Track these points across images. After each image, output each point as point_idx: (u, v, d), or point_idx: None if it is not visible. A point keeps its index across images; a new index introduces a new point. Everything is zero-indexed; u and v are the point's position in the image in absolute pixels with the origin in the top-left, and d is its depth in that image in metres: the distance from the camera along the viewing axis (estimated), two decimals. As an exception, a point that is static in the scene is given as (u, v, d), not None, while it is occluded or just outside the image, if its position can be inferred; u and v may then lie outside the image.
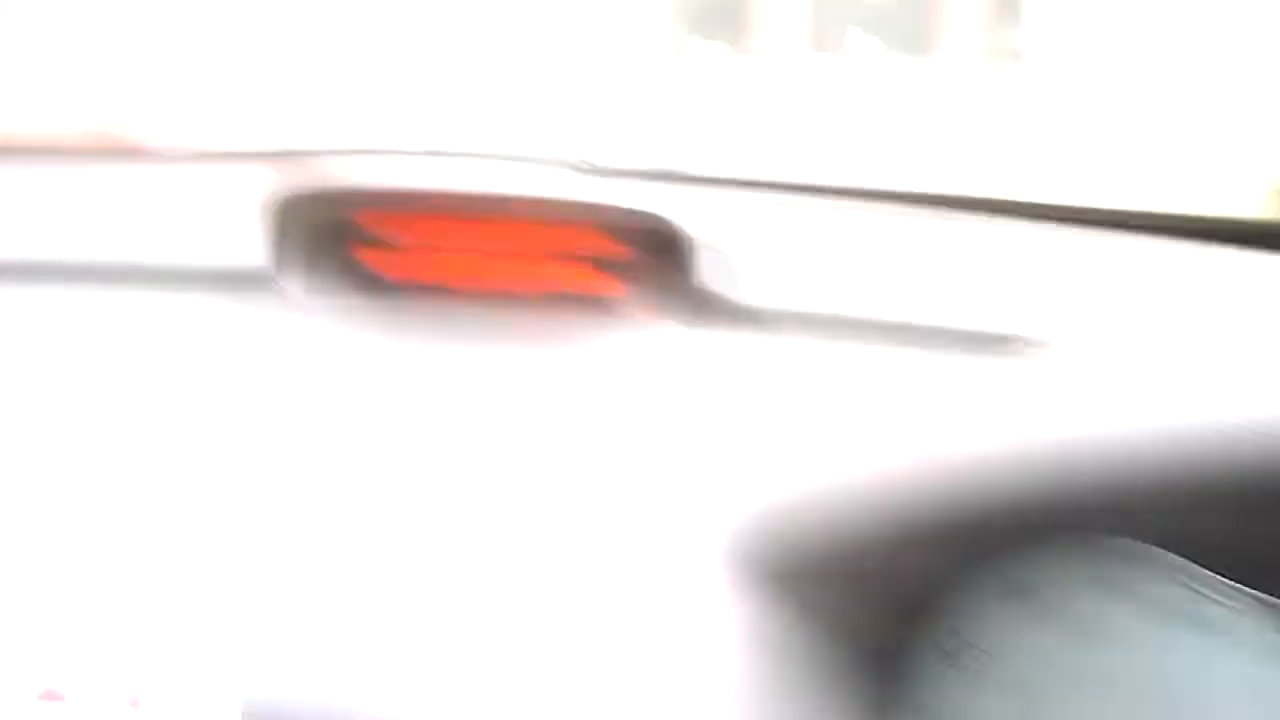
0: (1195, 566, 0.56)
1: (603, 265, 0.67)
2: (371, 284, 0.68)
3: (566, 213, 0.67)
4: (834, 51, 3.16)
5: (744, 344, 0.64)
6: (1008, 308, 0.64)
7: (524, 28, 2.85)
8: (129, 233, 0.70)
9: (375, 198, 0.69)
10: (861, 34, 3.18)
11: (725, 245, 0.66)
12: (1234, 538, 0.60)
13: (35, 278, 0.67)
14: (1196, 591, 0.55)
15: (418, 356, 0.64)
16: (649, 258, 0.66)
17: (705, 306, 0.64)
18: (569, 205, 0.66)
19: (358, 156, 0.70)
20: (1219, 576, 0.56)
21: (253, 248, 0.67)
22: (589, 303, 0.67)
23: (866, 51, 3.17)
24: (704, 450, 0.58)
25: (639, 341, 0.65)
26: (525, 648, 0.54)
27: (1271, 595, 0.55)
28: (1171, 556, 0.57)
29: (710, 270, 0.65)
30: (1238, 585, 0.55)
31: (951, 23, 3.04)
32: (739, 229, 0.68)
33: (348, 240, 0.68)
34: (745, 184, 0.74)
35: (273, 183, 0.66)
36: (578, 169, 0.75)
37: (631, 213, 0.65)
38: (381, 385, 0.62)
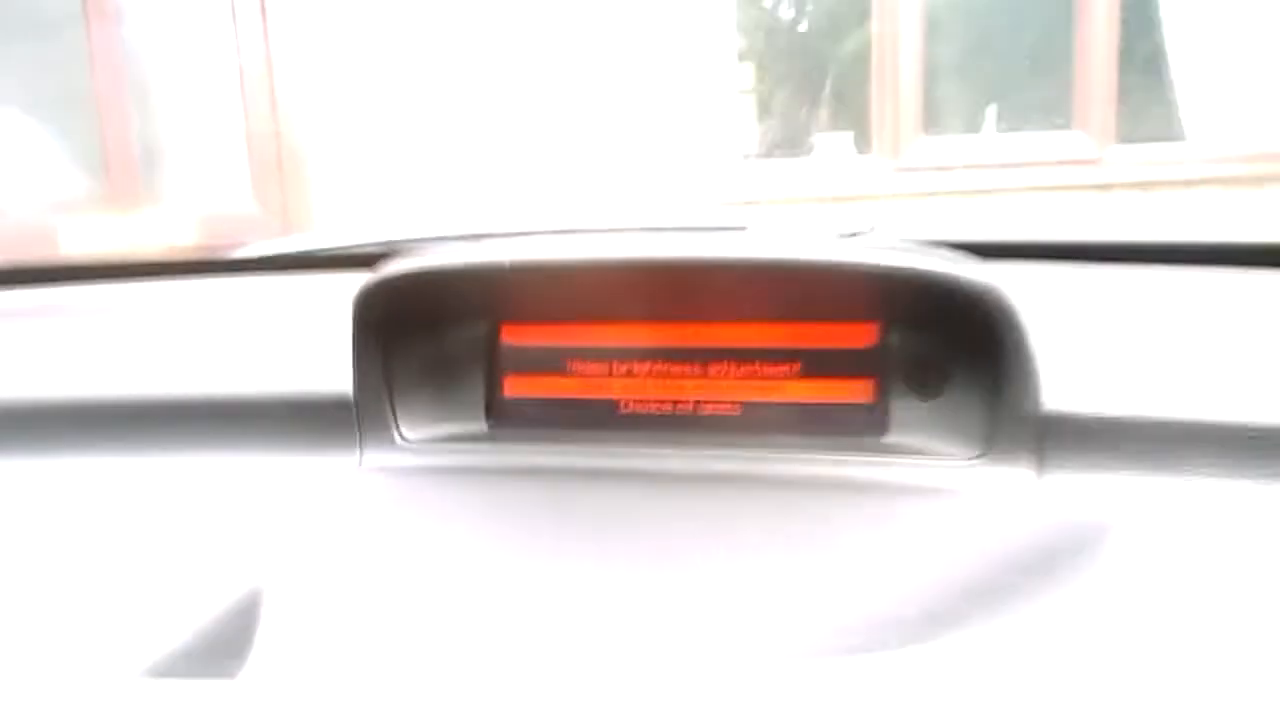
0: None
1: (875, 366, 0.44)
2: (523, 419, 0.47)
3: (818, 286, 0.44)
4: (971, 133, 2.94)
5: (1111, 492, 0.39)
6: None
7: (642, 118, 2.74)
8: (201, 364, 0.51)
9: (522, 291, 0.47)
10: (997, 112, 2.96)
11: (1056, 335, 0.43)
12: None
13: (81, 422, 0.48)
14: None
15: (603, 529, 0.42)
16: (961, 353, 0.43)
17: (1050, 431, 0.40)
18: (821, 273, 0.43)
19: (488, 237, 0.49)
20: None
21: (347, 376, 0.46)
22: (848, 424, 0.44)
23: (1002, 130, 2.94)
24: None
25: (946, 496, 0.41)
26: None
27: None
28: None
29: (1040, 375, 0.41)
30: None
31: (1086, 97, 2.79)
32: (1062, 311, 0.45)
33: (482, 360, 0.47)
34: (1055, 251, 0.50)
35: (371, 288, 0.45)
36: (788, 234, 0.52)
37: (936, 281, 0.41)
38: (551, 573, 0.40)
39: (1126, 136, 2.82)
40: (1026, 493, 0.41)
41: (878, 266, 0.41)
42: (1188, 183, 2.72)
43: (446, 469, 0.47)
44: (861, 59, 2.90)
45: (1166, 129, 2.86)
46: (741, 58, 3.00)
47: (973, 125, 2.97)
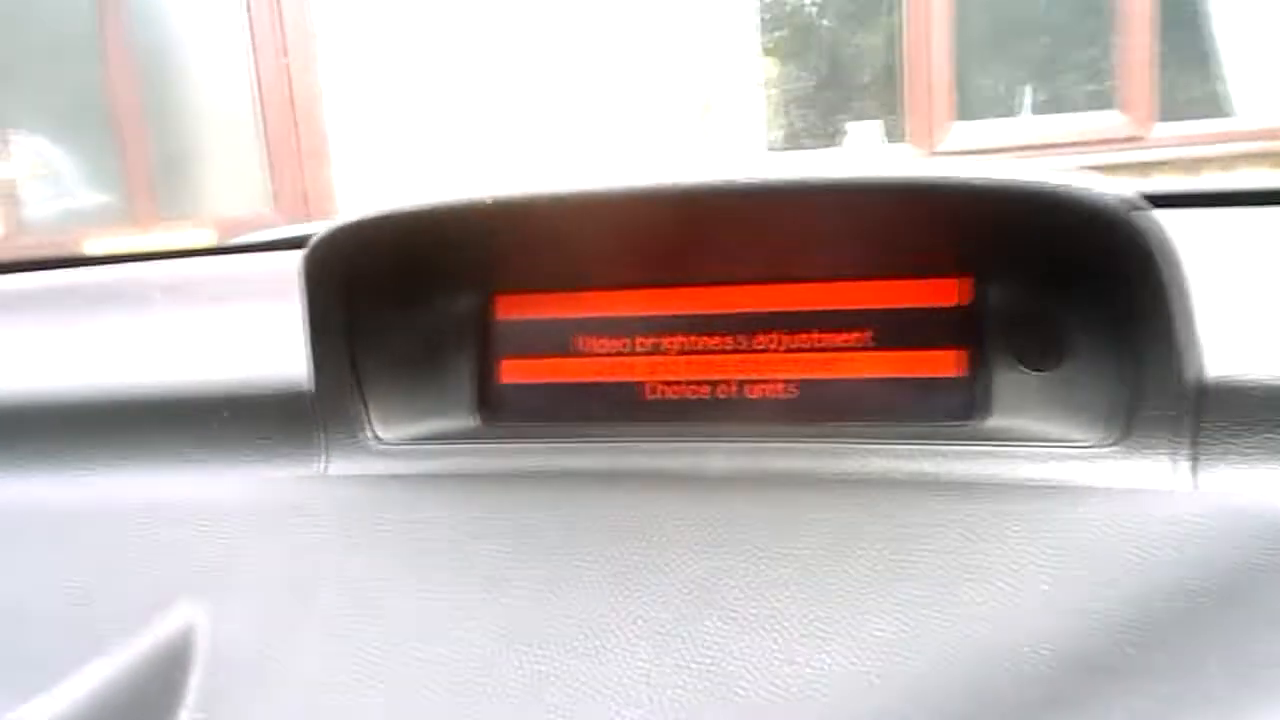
0: None
1: (969, 329, 0.34)
2: (524, 411, 0.38)
3: (892, 223, 0.34)
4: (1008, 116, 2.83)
5: None
6: None
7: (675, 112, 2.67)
8: (127, 357, 0.43)
9: (517, 250, 0.38)
10: (1034, 93, 2.84)
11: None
12: None
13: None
14: None
15: (624, 549, 0.33)
16: (1085, 306, 0.33)
17: (1210, 407, 0.31)
18: (895, 201, 0.33)
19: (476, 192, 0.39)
20: None
21: (307, 365, 0.38)
22: (937, 406, 0.35)
23: (1039, 111, 2.82)
24: None
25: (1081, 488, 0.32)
26: None
27: None
28: None
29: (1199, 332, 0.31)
30: None
31: (1127, 73, 2.67)
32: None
33: (472, 340, 0.38)
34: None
35: (323, 245, 0.36)
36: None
37: (1052, 202, 0.31)
38: (563, 610, 0.31)
39: (1170, 114, 2.69)
40: (1181, 488, 0.31)
41: (971, 184, 0.31)
42: (1246, 156, 2.59)
43: (430, 476, 0.37)
44: (891, 45, 2.80)
45: (1212, 105, 2.73)
46: (766, 48, 2.91)
47: (1009, 108, 2.85)
